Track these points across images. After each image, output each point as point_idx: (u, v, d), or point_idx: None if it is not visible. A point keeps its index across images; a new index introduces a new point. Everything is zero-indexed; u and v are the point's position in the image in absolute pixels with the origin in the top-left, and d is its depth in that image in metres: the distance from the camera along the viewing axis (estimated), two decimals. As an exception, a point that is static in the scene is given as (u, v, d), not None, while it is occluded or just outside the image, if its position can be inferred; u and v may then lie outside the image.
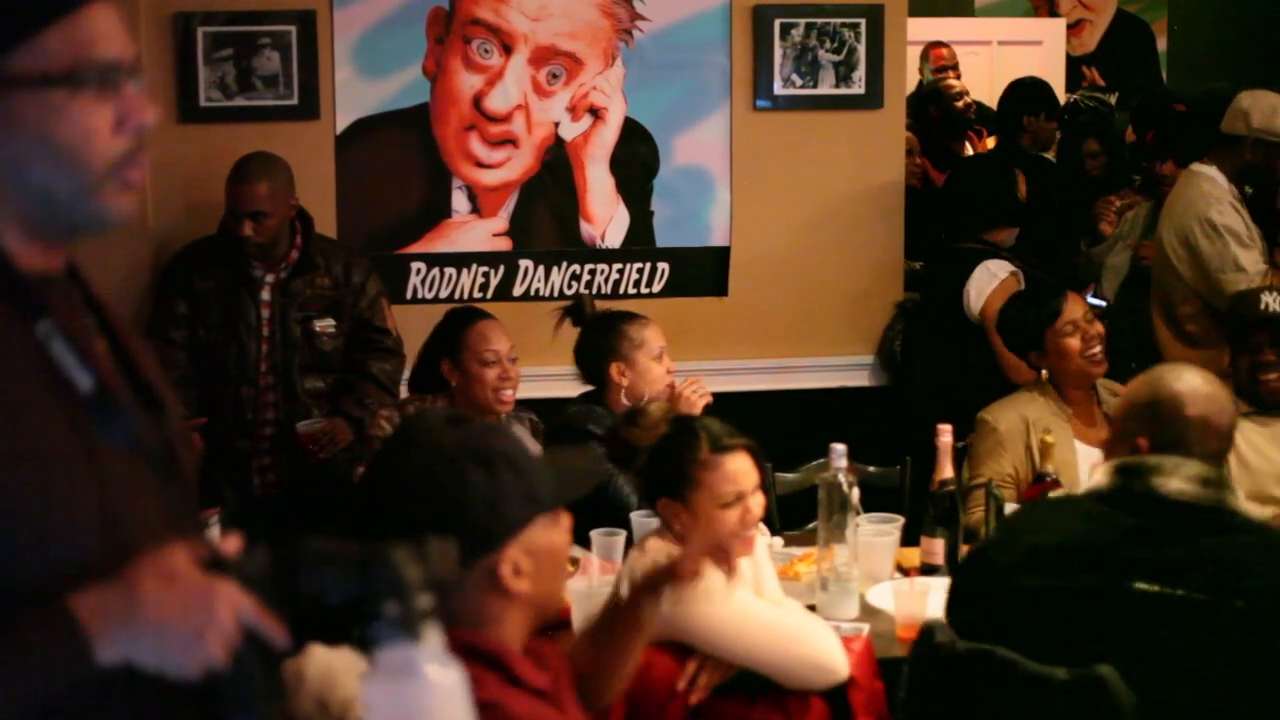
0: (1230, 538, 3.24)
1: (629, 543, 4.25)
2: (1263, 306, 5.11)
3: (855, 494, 4.17)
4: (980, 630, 3.39)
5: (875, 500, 4.85)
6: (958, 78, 9.53)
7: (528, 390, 5.98)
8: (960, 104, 8.55)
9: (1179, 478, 3.29)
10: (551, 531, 2.60)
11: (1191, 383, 3.49)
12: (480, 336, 5.04)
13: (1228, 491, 3.30)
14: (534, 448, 2.66)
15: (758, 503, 3.69)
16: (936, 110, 8.35)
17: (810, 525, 4.63)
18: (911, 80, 8.61)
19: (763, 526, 4.64)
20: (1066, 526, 3.41)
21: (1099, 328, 5.12)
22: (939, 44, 9.77)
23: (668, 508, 3.67)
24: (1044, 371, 5.14)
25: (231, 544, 1.91)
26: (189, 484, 2.11)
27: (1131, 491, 3.33)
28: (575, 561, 4.41)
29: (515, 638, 2.61)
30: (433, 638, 1.79)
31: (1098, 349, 5.06)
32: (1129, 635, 3.21)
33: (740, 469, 3.67)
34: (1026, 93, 8.08)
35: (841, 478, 4.14)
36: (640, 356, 5.00)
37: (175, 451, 2.09)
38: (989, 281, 5.97)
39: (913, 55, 8.10)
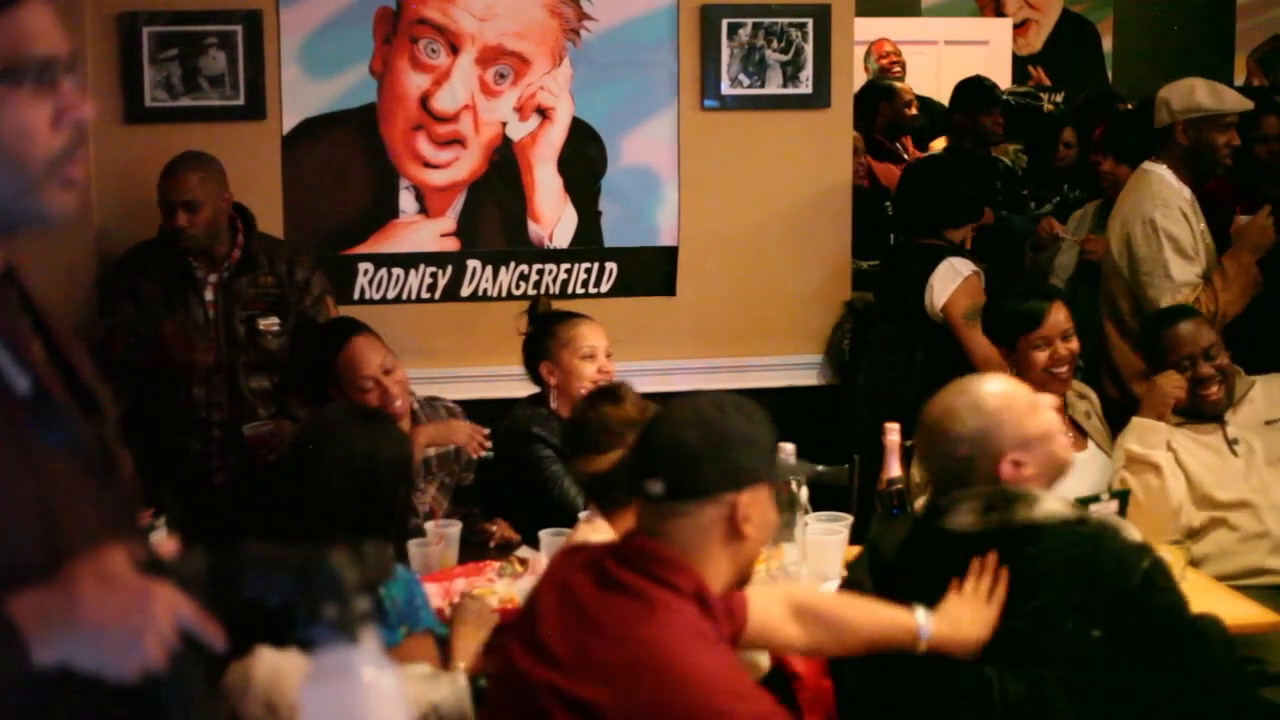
0: (1027, 551, 3.27)
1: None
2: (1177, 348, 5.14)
3: (804, 493, 4.18)
4: None
5: (824, 499, 4.85)
6: (903, 71, 9.65)
7: (479, 391, 6.01)
8: (909, 111, 8.62)
9: (962, 511, 3.35)
10: (771, 500, 2.94)
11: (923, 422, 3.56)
12: (348, 367, 4.99)
13: (1015, 509, 3.31)
14: None
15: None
16: (888, 108, 8.38)
17: (759, 524, 4.63)
18: (858, 78, 8.67)
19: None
20: (892, 546, 3.53)
21: (1074, 346, 5.10)
22: (882, 38, 9.88)
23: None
24: (1009, 370, 5.15)
25: (169, 546, 1.91)
26: (126, 485, 2.10)
27: (931, 529, 3.42)
28: (524, 562, 4.42)
29: (717, 583, 2.88)
30: (370, 640, 1.78)
31: (1064, 369, 5.05)
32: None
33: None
34: (976, 92, 8.13)
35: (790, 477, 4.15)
36: (566, 355, 5.03)
37: (112, 453, 2.08)
38: (953, 278, 5.96)
39: (857, 53, 8.11)
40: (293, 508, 3.58)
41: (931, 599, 3.32)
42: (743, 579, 2.99)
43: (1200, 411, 5.09)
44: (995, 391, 3.49)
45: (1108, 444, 5.16)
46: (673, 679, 2.71)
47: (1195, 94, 5.85)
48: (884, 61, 9.83)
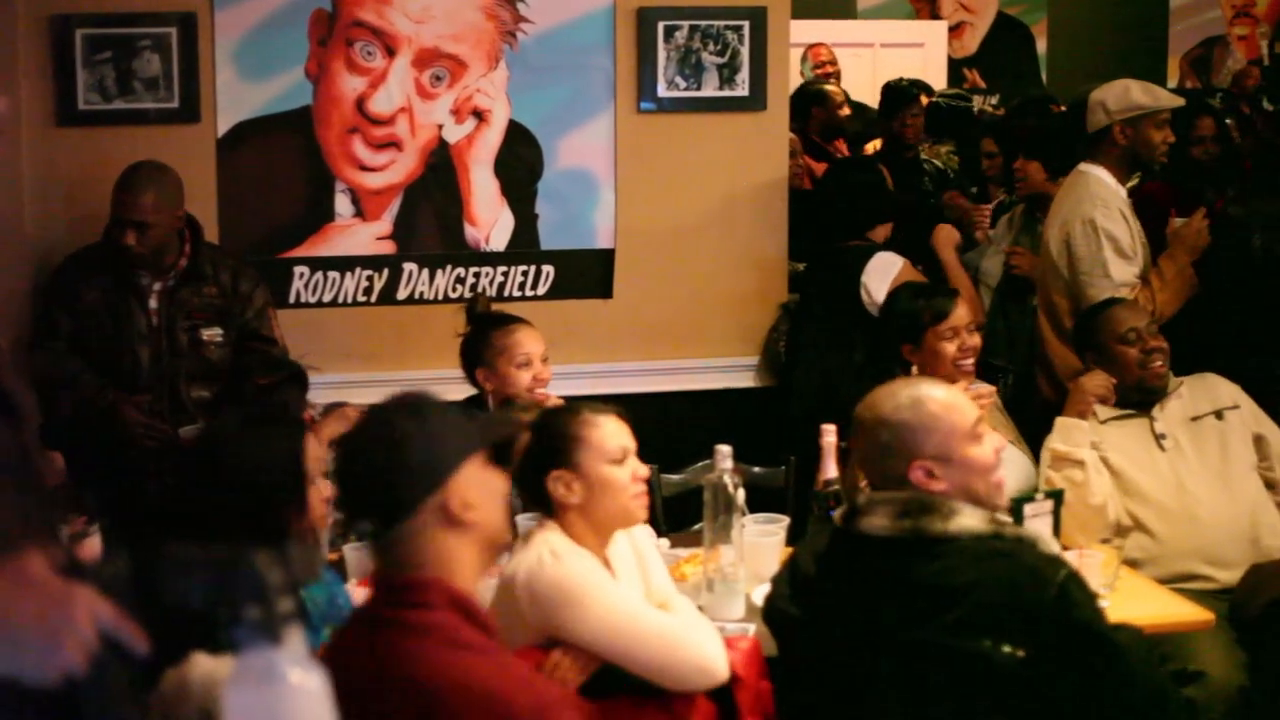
0: (930, 563, 3.26)
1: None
2: (1123, 322, 5.18)
3: (740, 494, 4.17)
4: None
5: (760, 500, 4.86)
6: (837, 75, 9.70)
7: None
8: (842, 112, 8.65)
9: (877, 515, 3.34)
10: (487, 468, 2.87)
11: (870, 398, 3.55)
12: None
13: (929, 518, 3.30)
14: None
15: (642, 466, 3.75)
16: (821, 112, 8.41)
17: (696, 526, 4.64)
18: (795, 81, 8.71)
19: (648, 527, 4.65)
20: (812, 555, 3.53)
21: (977, 340, 5.17)
22: (818, 43, 9.93)
23: (559, 479, 3.65)
24: (914, 368, 5.19)
25: (90, 550, 1.89)
26: (47, 490, 2.08)
27: (849, 533, 3.40)
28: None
29: (471, 579, 2.88)
30: (295, 642, 1.77)
31: (970, 360, 5.12)
32: (867, 671, 3.32)
33: (619, 427, 3.73)
34: (892, 95, 8.17)
35: (727, 478, 4.15)
36: (502, 363, 5.02)
37: (31, 458, 2.06)
38: (889, 270, 5.99)
39: (794, 55, 8.13)
40: (190, 514, 3.54)
41: (850, 611, 3.34)
42: (498, 550, 3.01)
43: (1146, 388, 5.12)
44: (942, 398, 3.43)
45: (1015, 436, 5.20)
46: (443, 700, 2.71)
47: (1131, 93, 5.90)
48: (818, 71, 9.91)
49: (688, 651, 3.51)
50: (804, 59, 9.79)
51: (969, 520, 3.29)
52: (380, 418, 2.90)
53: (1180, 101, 6.09)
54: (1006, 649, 3.15)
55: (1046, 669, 3.16)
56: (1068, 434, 4.96)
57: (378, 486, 2.84)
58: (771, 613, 3.63)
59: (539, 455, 3.70)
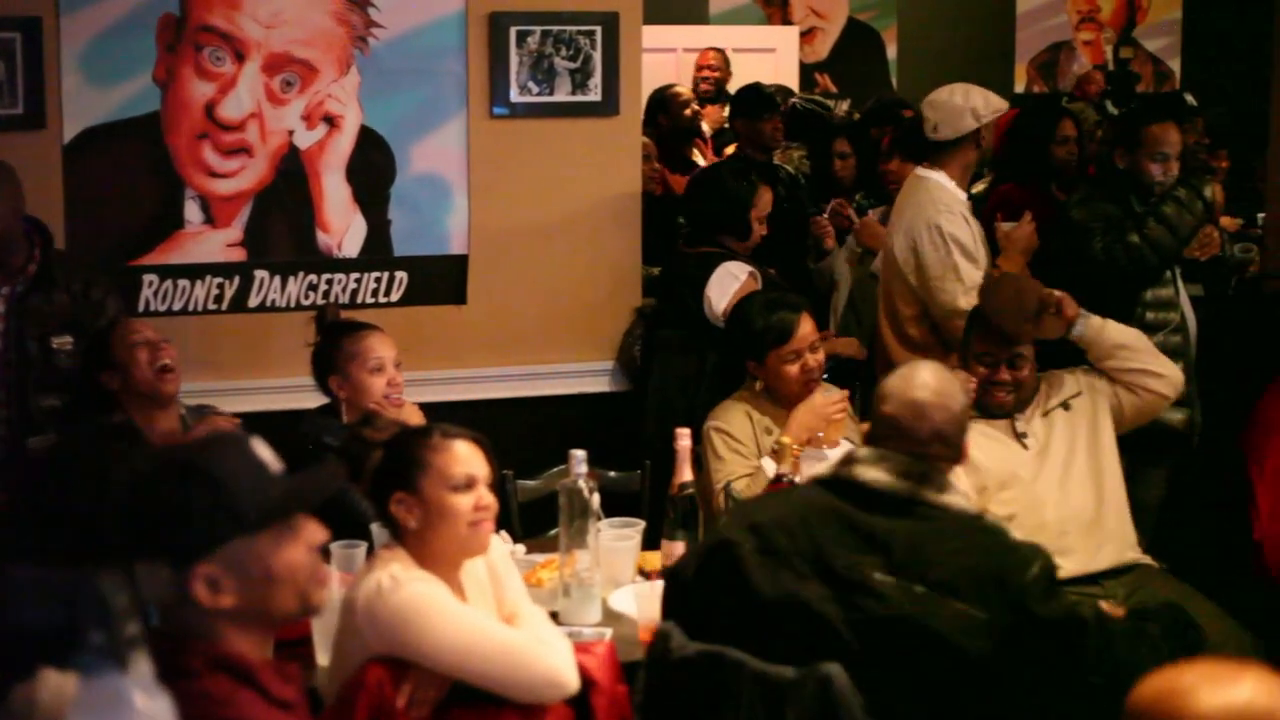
0: (918, 523, 3.50)
1: (370, 554, 4.21)
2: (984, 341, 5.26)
3: (596, 499, 4.20)
4: (718, 605, 3.56)
5: (616, 505, 4.88)
6: (724, 79, 9.79)
7: (269, 403, 5.94)
8: (688, 112, 8.67)
9: (879, 469, 3.57)
10: (273, 546, 2.57)
11: (900, 379, 3.77)
12: (121, 341, 5.08)
13: (927, 486, 3.56)
14: (268, 461, 2.63)
15: (489, 496, 3.67)
16: (665, 118, 8.45)
17: (552, 532, 4.66)
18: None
19: (504, 533, 4.65)
20: (785, 506, 3.67)
21: (820, 357, 5.22)
22: (711, 49, 10.09)
23: (401, 503, 3.62)
24: (758, 382, 5.23)
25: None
26: None
27: (839, 478, 3.63)
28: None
29: (248, 649, 2.58)
30: (141, 666, 1.74)
31: (816, 380, 5.17)
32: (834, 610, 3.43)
33: (469, 454, 3.65)
34: (753, 98, 8.22)
35: (582, 483, 4.17)
36: (354, 369, 4.99)
37: None
38: (731, 283, 5.99)
39: (649, 60, 8.17)
40: (36, 530, 3.47)
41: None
42: (289, 621, 2.72)
43: (989, 410, 5.20)
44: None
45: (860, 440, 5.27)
46: None
47: (993, 98, 6.01)
48: (698, 73, 10.05)
49: (534, 666, 3.52)
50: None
51: (959, 499, 3.61)
52: (142, 478, 2.58)
53: (1003, 105, 6.21)
54: (976, 612, 3.34)
55: (1007, 647, 3.34)
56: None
57: (143, 535, 2.51)
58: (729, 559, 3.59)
59: (385, 476, 3.67)
